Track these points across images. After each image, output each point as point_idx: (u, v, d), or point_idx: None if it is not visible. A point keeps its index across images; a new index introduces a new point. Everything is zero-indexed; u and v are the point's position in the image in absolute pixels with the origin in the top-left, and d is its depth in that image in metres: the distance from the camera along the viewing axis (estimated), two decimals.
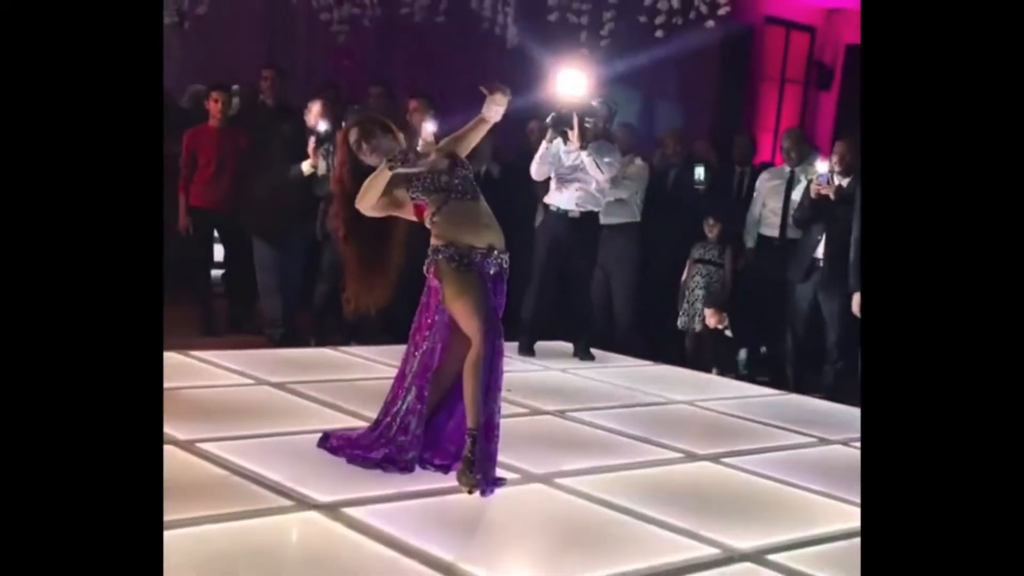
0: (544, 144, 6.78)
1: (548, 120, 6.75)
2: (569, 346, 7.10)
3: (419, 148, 4.41)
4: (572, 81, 6.48)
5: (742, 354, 7.52)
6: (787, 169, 7.45)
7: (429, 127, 5.57)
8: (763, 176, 7.63)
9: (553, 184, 6.89)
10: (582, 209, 6.85)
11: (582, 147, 6.66)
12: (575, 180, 6.80)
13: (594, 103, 6.83)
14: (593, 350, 7.16)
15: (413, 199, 4.14)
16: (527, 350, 6.88)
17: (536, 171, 6.88)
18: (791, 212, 7.22)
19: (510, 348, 6.46)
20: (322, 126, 6.70)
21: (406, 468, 4.06)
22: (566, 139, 6.67)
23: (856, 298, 6.33)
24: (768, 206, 7.45)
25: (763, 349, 7.65)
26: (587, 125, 6.68)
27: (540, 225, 7.08)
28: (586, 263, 7.02)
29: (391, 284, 4.36)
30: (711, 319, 7.33)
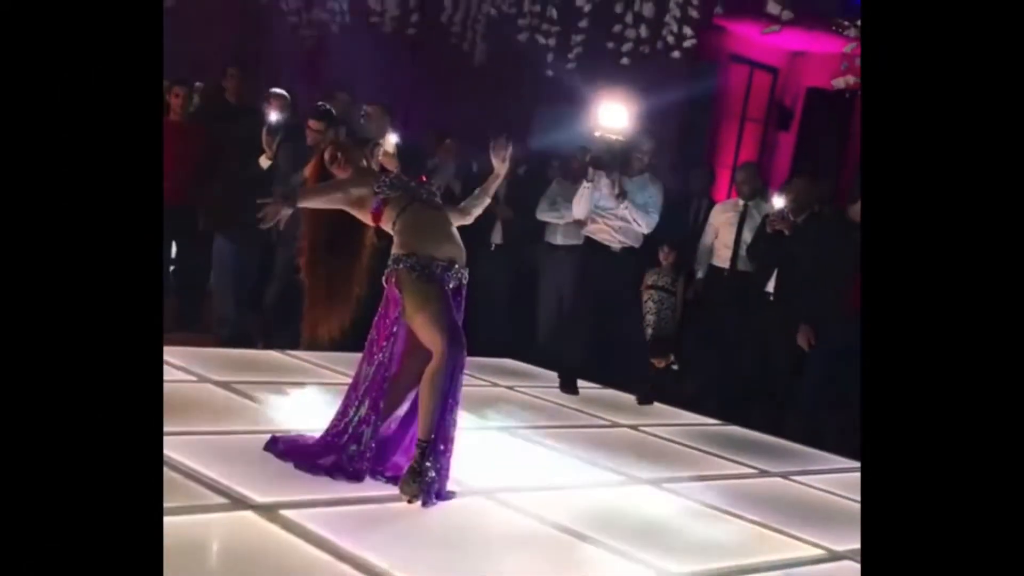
0: (585, 183, 6.66)
1: (588, 158, 6.65)
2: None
3: (379, 157, 4.47)
4: (613, 115, 6.40)
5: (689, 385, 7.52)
6: (740, 202, 7.50)
7: (391, 139, 5.56)
8: (717, 208, 7.67)
9: (592, 221, 6.74)
10: (623, 244, 6.71)
11: (620, 196, 6.56)
12: (615, 216, 6.66)
13: (638, 136, 6.74)
14: (542, 370, 7.17)
15: (377, 193, 4.12)
16: (570, 387, 6.69)
17: (577, 209, 6.75)
18: (743, 245, 7.28)
19: (481, 365, 6.50)
20: (273, 116, 6.64)
21: (354, 477, 4.01)
22: (607, 173, 6.54)
23: (802, 329, 6.40)
24: (720, 238, 7.49)
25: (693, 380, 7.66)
26: (635, 160, 6.60)
27: (578, 259, 6.94)
28: (626, 298, 6.85)
29: (351, 313, 4.31)
30: (658, 364, 7.35)
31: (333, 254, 4.27)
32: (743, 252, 7.23)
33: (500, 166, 4.50)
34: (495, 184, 4.53)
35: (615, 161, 6.60)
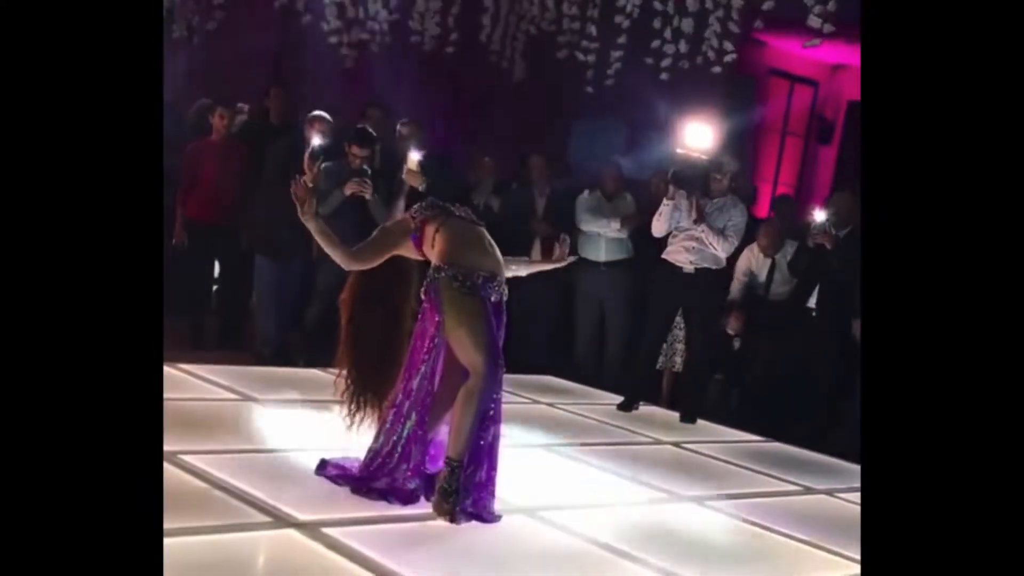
0: (665, 200, 6.61)
1: (670, 176, 6.59)
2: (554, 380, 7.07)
3: (403, 176, 4.52)
4: (697, 135, 6.33)
5: (734, 398, 7.45)
6: (765, 260, 7.35)
7: (414, 155, 5.56)
8: (743, 257, 7.43)
9: (671, 239, 6.68)
10: (697, 266, 6.60)
11: (698, 220, 6.50)
12: (692, 237, 6.59)
13: (722, 158, 6.67)
14: (581, 386, 7.14)
15: (414, 218, 4.13)
16: (630, 407, 6.65)
17: (657, 228, 6.69)
18: (773, 285, 7.21)
19: (520, 383, 6.47)
20: (316, 140, 6.68)
21: (409, 500, 3.96)
22: (689, 193, 6.48)
23: (855, 324, 6.31)
24: (752, 280, 7.40)
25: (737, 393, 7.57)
26: (712, 181, 6.54)
27: (655, 280, 6.86)
28: (699, 322, 6.74)
29: (395, 376, 4.11)
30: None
31: (376, 306, 4.22)
32: (782, 274, 7.15)
33: (557, 260, 4.55)
34: (540, 268, 4.62)
35: (696, 181, 6.51)
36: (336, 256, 4.16)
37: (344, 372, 4.27)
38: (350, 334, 4.28)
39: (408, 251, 4.17)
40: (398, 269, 4.25)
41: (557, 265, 4.59)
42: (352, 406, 4.25)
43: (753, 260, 7.37)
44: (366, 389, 4.23)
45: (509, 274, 4.23)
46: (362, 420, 4.21)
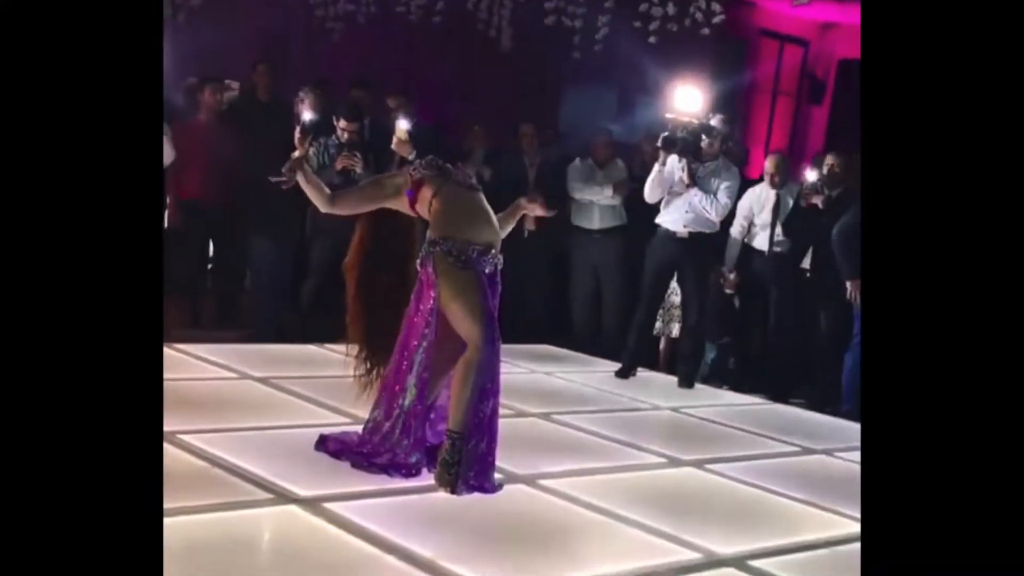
0: (657, 166, 6.59)
1: (660, 141, 6.57)
2: (555, 350, 7.08)
3: (392, 146, 4.50)
4: (687, 98, 6.28)
5: (709, 356, 7.40)
6: (773, 192, 7.26)
7: (403, 124, 5.53)
8: (747, 195, 7.30)
9: (664, 204, 6.67)
10: (691, 230, 6.61)
11: (690, 184, 6.48)
12: (685, 201, 6.56)
13: (712, 121, 6.63)
14: (578, 354, 7.15)
15: (412, 175, 4.11)
16: (628, 373, 6.67)
17: (649, 193, 6.67)
18: (778, 231, 7.15)
19: (517, 352, 6.48)
20: (307, 116, 6.63)
21: (410, 473, 3.97)
22: (680, 157, 6.46)
23: (850, 285, 6.31)
24: (755, 223, 7.30)
25: (732, 360, 7.55)
26: (703, 144, 6.49)
27: (649, 245, 6.82)
28: (694, 287, 6.70)
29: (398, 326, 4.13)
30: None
31: (379, 275, 4.23)
32: (778, 236, 7.08)
33: (530, 208, 4.46)
34: (519, 215, 4.46)
35: (687, 145, 6.48)
36: (317, 200, 4.21)
37: (355, 336, 4.28)
38: (358, 298, 4.28)
39: (400, 206, 4.17)
40: (400, 228, 4.25)
41: (532, 212, 4.50)
42: (365, 369, 4.26)
43: (755, 200, 7.22)
44: (379, 351, 4.22)
45: (506, 230, 4.24)
46: (375, 382, 4.21)
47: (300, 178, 4.18)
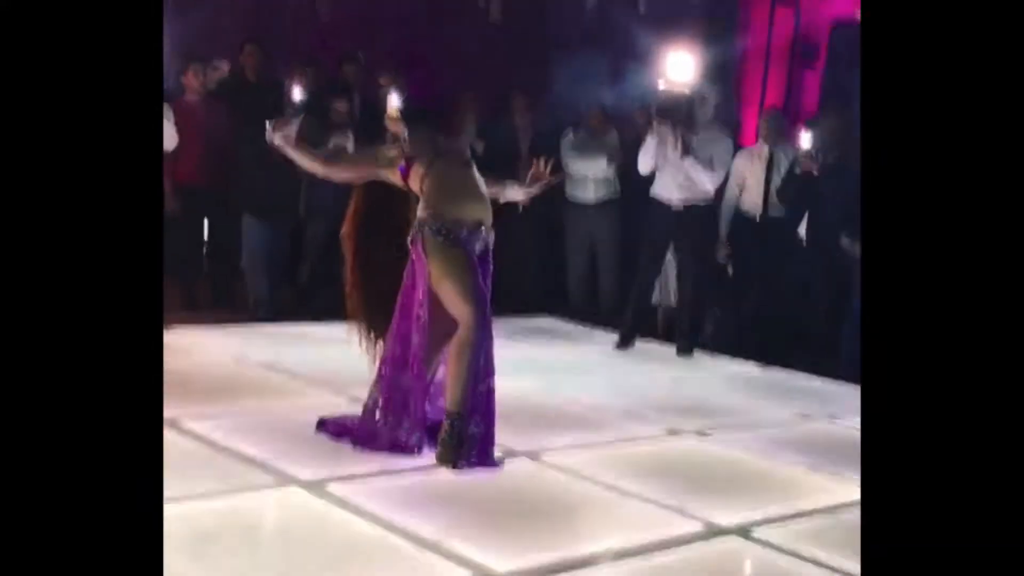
0: (649, 137, 6.54)
1: (653, 110, 6.51)
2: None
3: (384, 123, 4.47)
4: (679, 66, 6.24)
5: (707, 325, 7.38)
6: (766, 148, 7.21)
7: (394, 101, 5.49)
8: (740, 156, 7.24)
9: (657, 175, 6.62)
10: (685, 200, 6.57)
11: (683, 154, 6.44)
12: (679, 171, 6.52)
13: (705, 89, 6.56)
14: (578, 325, 7.14)
15: (405, 150, 4.09)
16: (627, 344, 6.67)
17: (643, 164, 6.61)
18: (772, 191, 7.09)
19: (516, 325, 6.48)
20: (297, 95, 6.60)
21: (412, 451, 3.99)
22: (673, 127, 6.41)
23: (844, 241, 6.30)
24: (748, 185, 7.22)
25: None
26: (696, 113, 6.43)
27: (645, 217, 6.77)
28: (690, 257, 6.70)
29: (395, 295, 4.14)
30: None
31: (377, 255, 4.21)
32: (773, 198, 7.04)
33: (538, 177, 4.42)
34: (530, 192, 4.44)
35: (680, 114, 6.43)
36: (310, 163, 4.18)
37: (354, 305, 4.27)
38: (357, 266, 4.27)
39: (393, 178, 4.15)
40: (396, 196, 4.23)
41: (545, 183, 4.46)
42: (368, 337, 4.26)
43: (747, 159, 7.14)
44: (378, 319, 4.22)
45: (504, 198, 4.23)
46: (377, 353, 4.21)
47: (286, 145, 4.13)
